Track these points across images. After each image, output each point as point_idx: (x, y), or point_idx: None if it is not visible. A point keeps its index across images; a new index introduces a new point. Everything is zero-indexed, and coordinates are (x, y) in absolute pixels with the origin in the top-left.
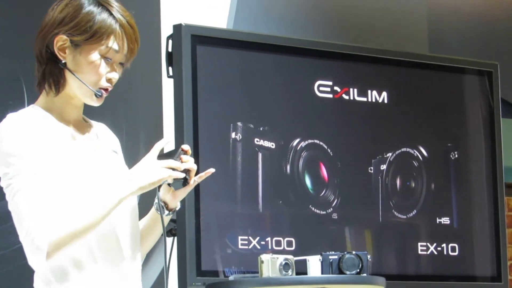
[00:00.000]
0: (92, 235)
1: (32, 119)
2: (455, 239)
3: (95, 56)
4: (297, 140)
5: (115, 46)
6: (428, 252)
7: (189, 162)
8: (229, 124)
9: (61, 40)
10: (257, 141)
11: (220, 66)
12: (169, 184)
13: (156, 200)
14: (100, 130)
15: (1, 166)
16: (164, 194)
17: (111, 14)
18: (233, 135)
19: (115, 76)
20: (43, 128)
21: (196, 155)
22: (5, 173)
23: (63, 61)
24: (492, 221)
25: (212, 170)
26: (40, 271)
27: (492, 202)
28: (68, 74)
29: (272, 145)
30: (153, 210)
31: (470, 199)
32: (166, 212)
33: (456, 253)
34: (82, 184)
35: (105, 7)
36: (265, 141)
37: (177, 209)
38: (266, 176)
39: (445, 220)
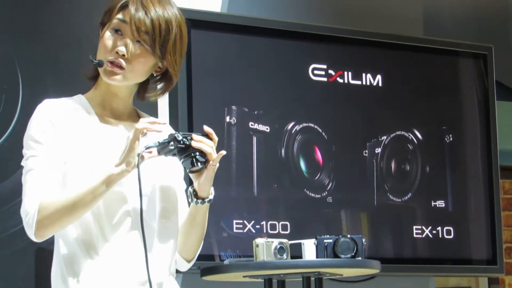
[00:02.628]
0: (104, 218)
1: (62, 107)
2: (450, 222)
3: (106, 31)
4: (292, 124)
5: (120, 16)
6: (423, 236)
7: (200, 143)
8: (224, 107)
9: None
10: (251, 124)
11: (215, 50)
12: (187, 170)
13: (189, 188)
14: None
15: (24, 147)
16: (194, 182)
17: None
18: (227, 118)
19: (119, 46)
20: (70, 116)
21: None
22: (24, 153)
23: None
24: (487, 204)
25: (223, 152)
26: (54, 258)
27: (487, 185)
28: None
29: (267, 128)
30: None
31: (465, 182)
32: (195, 199)
33: (451, 236)
34: (89, 172)
35: None
36: (259, 125)
37: (207, 200)
38: (260, 159)
39: (440, 203)
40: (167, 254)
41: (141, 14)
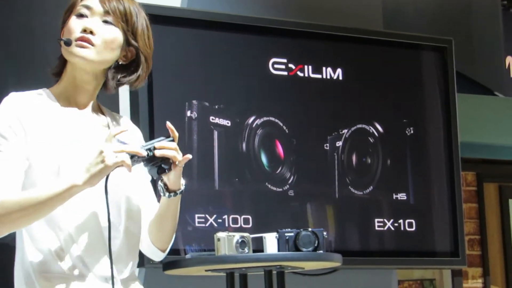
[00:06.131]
0: (71, 226)
1: (28, 101)
2: (411, 215)
3: (71, 18)
4: (253, 118)
5: (84, 2)
6: (385, 228)
7: (163, 150)
8: (184, 102)
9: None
10: (212, 119)
11: (175, 45)
12: (154, 177)
13: (159, 183)
14: (116, 121)
15: None
16: (164, 178)
17: None
18: (188, 113)
19: (86, 23)
20: (35, 111)
21: (151, 134)
22: None
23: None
24: (448, 196)
25: (189, 156)
26: (17, 255)
27: (449, 177)
28: (63, 52)
29: (228, 123)
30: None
31: (427, 175)
32: (167, 194)
33: (413, 229)
34: (52, 168)
35: None
36: (220, 119)
37: (179, 191)
38: (222, 154)
39: (402, 196)
40: (131, 252)
41: None
